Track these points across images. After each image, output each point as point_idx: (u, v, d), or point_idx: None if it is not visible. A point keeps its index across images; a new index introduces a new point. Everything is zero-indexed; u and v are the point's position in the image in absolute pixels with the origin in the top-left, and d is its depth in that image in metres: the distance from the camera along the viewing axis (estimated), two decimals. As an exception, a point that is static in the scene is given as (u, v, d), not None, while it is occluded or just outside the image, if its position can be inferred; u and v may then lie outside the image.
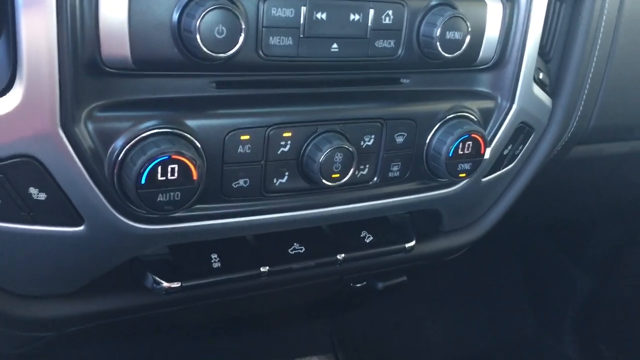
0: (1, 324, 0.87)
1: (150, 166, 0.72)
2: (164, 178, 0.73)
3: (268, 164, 0.82)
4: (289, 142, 0.82)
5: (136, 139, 0.73)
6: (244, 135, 0.79)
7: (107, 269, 0.83)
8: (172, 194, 0.74)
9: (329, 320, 1.93)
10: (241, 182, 0.82)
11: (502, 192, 1.12)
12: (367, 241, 1.00)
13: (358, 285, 1.20)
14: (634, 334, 2.00)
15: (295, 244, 0.96)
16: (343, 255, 0.97)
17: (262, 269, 0.91)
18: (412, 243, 1.03)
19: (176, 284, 0.86)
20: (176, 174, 0.74)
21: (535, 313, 2.26)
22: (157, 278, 0.86)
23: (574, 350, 2.14)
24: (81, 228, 0.76)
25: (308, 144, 0.83)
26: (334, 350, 1.92)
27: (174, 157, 0.73)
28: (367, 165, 0.89)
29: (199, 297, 0.94)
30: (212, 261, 0.90)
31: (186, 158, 0.73)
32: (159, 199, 0.74)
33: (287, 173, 0.84)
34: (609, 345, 2.06)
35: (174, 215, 0.79)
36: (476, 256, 2.15)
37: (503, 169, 1.05)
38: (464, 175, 0.93)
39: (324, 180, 0.83)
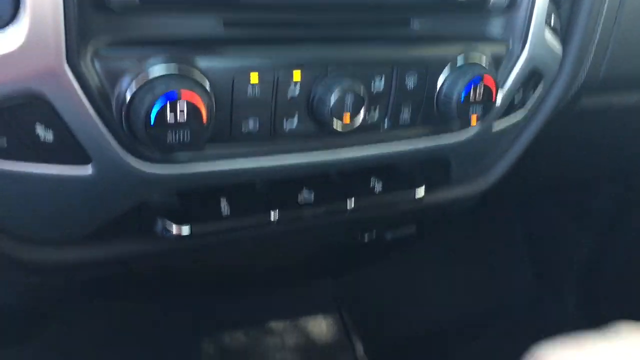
0: (5, 268, 0.86)
1: (159, 106, 0.71)
2: (173, 118, 0.72)
3: (277, 106, 0.81)
4: (298, 83, 0.80)
5: (144, 78, 0.72)
6: (253, 76, 0.78)
7: (115, 214, 0.82)
8: (181, 134, 0.73)
9: (333, 280, 1.94)
10: (250, 124, 0.80)
11: (512, 141, 1.11)
12: (376, 189, 0.99)
13: (366, 235, 1.20)
14: (635, 293, 2.00)
15: (304, 190, 0.95)
16: (352, 201, 0.96)
17: (271, 215, 0.90)
18: (422, 192, 1.02)
19: (186, 230, 0.85)
20: (185, 115, 0.72)
21: (536, 273, 2.26)
22: (166, 224, 0.85)
23: (575, 309, 2.15)
24: (89, 168, 0.75)
25: (318, 86, 0.81)
26: (339, 310, 1.93)
27: (183, 97, 0.71)
28: (378, 109, 0.87)
29: (207, 245, 0.93)
30: (222, 207, 0.89)
31: (195, 98, 0.72)
32: (168, 140, 0.73)
33: (297, 116, 0.83)
34: (610, 304, 2.07)
35: (183, 157, 0.78)
36: (478, 217, 2.15)
37: (513, 116, 1.03)
38: (475, 120, 0.91)
39: (334, 123, 0.81)
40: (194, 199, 0.88)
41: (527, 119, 1.09)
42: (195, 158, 0.79)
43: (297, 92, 0.81)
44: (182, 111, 0.72)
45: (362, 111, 0.82)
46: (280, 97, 0.80)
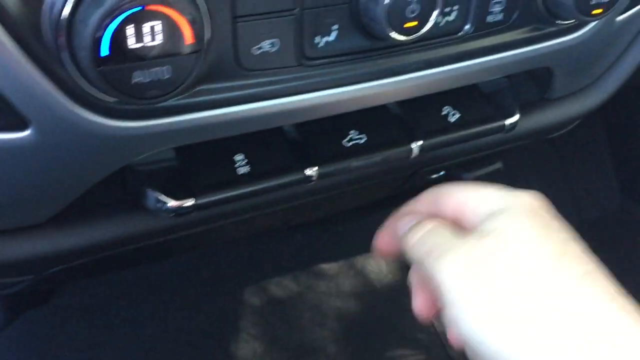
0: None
1: (114, 25, 0.44)
2: (139, 44, 0.45)
3: (306, 13, 0.53)
4: (335, -26, 0.52)
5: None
6: (264, -33, 0.50)
7: (81, 190, 0.57)
8: (156, 70, 0.46)
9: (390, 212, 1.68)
10: (266, 44, 0.53)
11: (633, 39, 0.81)
12: (452, 120, 0.72)
13: (435, 176, 0.93)
14: None
15: (352, 131, 0.68)
16: (420, 142, 0.68)
17: (308, 172, 0.64)
18: (515, 118, 0.73)
19: (189, 202, 0.60)
20: (159, 37, 0.46)
21: (622, 185, 2.00)
22: (160, 196, 0.60)
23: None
24: (26, 133, 0.49)
25: (365, -23, 0.53)
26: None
27: (150, 7, 0.44)
28: (456, 7, 0.58)
29: (221, 215, 0.68)
30: (237, 165, 0.63)
31: (172, 8, 0.45)
32: (135, 79, 0.46)
33: (336, 26, 0.55)
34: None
35: (167, 104, 0.51)
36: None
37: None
38: (599, 11, 0.62)
39: (392, 33, 0.53)
40: (197, 156, 0.63)
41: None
42: (188, 104, 0.53)
43: (333, -12, 0.53)
44: (153, 31, 0.45)
45: (434, 11, 0.54)
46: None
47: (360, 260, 1.63)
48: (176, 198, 0.60)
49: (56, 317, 1.48)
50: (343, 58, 0.56)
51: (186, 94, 0.51)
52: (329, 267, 1.61)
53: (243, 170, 0.63)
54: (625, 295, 0.48)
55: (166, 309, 1.49)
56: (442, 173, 0.91)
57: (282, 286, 1.56)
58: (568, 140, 1.94)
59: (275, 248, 1.61)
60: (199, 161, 0.63)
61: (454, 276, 0.50)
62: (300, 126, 0.66)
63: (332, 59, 0.56)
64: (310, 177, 0.64)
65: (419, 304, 0.58)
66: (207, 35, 0.49)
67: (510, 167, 1.88)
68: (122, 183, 0.62)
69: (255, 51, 0.53)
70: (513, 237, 0.50)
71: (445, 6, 0.57)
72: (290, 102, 0.56)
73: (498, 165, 0.90)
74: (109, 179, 0.59)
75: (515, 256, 0.49)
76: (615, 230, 1.93)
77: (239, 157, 0.64)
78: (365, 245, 1.65)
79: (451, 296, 0.50)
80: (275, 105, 0.56)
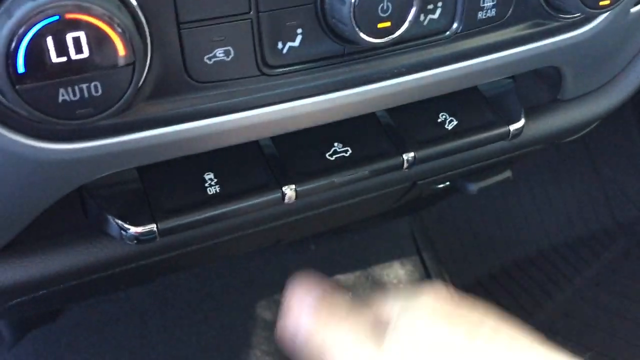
0: None
1: (28, 38, 0.39)
2: (61, 59, 0.40)
3: (263, 16, 0.47)
4: (295, -30, 0.46)
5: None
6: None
7: (25, 219, 0.52)
8: (85, 87, 0.41)
9: (408, 219, 1.61)
10: (220, 52, 0.47)
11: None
12: (449, 128, 0.65)
13: (441, 186, 0.86)
14: None
15: (336, 144, 0.62)
16: (412, 154, 0.62)
17: (286, 190, 0.58)
18: (520, 124, 0.66)
19: (150, 227, 0.55)
20: (86, 49, 0.40)
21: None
22: (120, 222, 0.55)
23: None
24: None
25: (330, -28, 0.47)
26: (419, 253, 1.62)
27: (69, 16, 0.39)
28: (440, 3, 0.52)
29: (192, 239, 0.63)
30: (207, 184, 0.58)
31: (97, 17, 0.39)
32: (61, 97, 0.41)
33: (300, 30, 0.49)
34: None
35: (107, 123, 0.46)
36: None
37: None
38: (606, 3, 0.54)
39: (363, 36, 0.47)
40: (163, 176, 0.57)
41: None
42: (132, 122, 0.47)
43: (294, -13, 0.47)
44: (77, 44, 0.40)
45: (411, 9, 0.47)
46: (266, 0, 0.46)
47: (377, 271, 1.56)
48: (137, 224, 0.55)
49: (64, 335, 1.44)
50: (311, 65, 0.50)
51: (128, 112, 0.45)
52: (344, 278, 1.55)
53: (213, 189, 0.57)
54: None
55: (175, 325, 1.44)
56: (447, 183, 0.84)
57: (296, 299, 1.50)
58: (599, 137, 1.85)
59: (288, 259, 1.55)
60: (164, 182, 0.57)
61: None
62: (278, 139, 0.60)
63: (298, 67, 0.50)
64: (288, 196, 0.58)
65: None
66: (146, 45, 0.43)
67: (538, 167, 1.81)
68: (82, 206, 0.57)
69: (208, 61, 0.47)
70: (411, 339, 0.50)
71: (426, 3, 0.50)
72: (252, 116, 0.50)
73: (507, 174, 0.83)
74: (70, 204, 0.54)
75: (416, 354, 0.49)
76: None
77: (208, 176, 0.58)
78: (382, 254, 1.59)
79: None
80: (234, 120, 0.50)
